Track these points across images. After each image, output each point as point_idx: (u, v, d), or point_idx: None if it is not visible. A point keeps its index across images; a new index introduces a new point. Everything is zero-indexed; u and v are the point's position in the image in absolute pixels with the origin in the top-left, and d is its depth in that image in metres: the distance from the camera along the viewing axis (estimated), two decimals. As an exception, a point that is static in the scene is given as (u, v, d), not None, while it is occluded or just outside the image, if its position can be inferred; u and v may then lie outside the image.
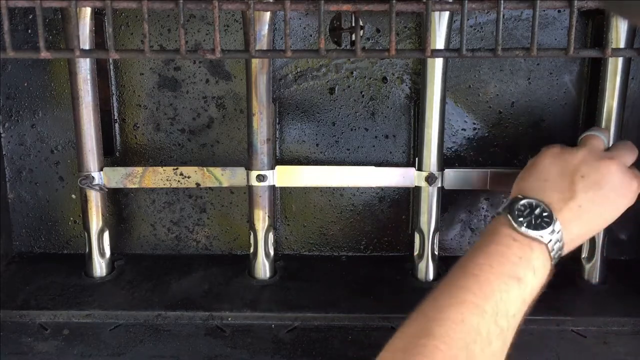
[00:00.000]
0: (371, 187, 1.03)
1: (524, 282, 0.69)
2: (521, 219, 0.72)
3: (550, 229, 0.72)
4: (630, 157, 0.83)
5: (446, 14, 0.87)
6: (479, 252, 0.71)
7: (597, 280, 0.98)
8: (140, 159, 1.04)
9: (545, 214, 0.73)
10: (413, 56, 0.99)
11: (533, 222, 0.72)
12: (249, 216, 0.99)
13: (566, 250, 0.75)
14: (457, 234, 1.06)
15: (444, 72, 0.91)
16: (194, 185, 0.99)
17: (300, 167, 0.99)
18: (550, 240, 0.72)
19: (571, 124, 1.01)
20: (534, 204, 0.74)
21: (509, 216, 0.72)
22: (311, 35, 0.99)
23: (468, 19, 0.81)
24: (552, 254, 0.72)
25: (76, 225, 1.07)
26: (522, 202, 0.74)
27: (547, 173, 0.79)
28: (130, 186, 0.99)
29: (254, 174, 0.96)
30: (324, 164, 1.03)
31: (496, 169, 0.97)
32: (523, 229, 0.71)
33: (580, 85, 0.99)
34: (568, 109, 1.00)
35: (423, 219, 0.98)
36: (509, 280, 0.68)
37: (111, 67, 1.00)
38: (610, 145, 0.88)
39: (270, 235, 1.00)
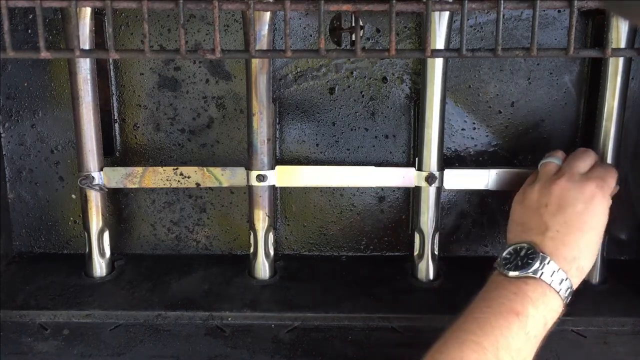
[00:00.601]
0: (371, 187, 1.04)
1: (523, 315, 0.71)
2: (508, 265, 0.76)
3: (537, 262, 0.74)
4: (582, 164, 0.84)
5: (446, 14, 0.87)
6: (478, 299, 0.75)
7: (597, 280, 0.98)
8: (140, 159, 1.04)
9: (529, 252, 0.76)
10: (413, 56, 0.99)
11: (520, 263, 0.75)
12: (249, 216, 0.99)
13: (575, 276, 0.76)
14: (457, 234, 1.06)
15: (444, 72, 0.91)
16: (194, 185, 0.99)
17: (300, 167, 0.99)
18: (543, 273, 0.74)
19: (571, 124, 1.01)
20: (517, 248, 0.77)
21: (498, 266, 0.77)
22: (311, 35, 0.99)
23: (468, 19, 0.82)
24: (552, 284, 0.74)
25: (76, 225, 1.07)
26: (507, 250, 0.78)
27: (519, 218, 0.83)
28: (130, 186, 0.99)
29: (254, 174, 0.96)
30: (324, 164, 1.03)
31: (496, 169, 0.97)
32: (511, 273, 0.75)
33: (580, 85, 0.99)
34: (568, 109, 1.00)
35: (423, 219, 0.98)
36: (507, 316, 0.71)
37: (111, 67, 1.00)
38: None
39: (270, 235, 1.00)
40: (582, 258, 0.77)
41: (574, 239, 0.77)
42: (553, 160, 0.87)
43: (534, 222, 0.79)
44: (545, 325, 0.73)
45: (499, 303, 0.72)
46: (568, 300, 0.76)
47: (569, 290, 0.75)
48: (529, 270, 0.74)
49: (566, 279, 0.75)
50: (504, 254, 0.78)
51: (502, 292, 0.74)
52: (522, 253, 0.76)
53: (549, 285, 0.73)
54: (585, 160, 0.85)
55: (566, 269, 0.75)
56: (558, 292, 0.74)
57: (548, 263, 0.74)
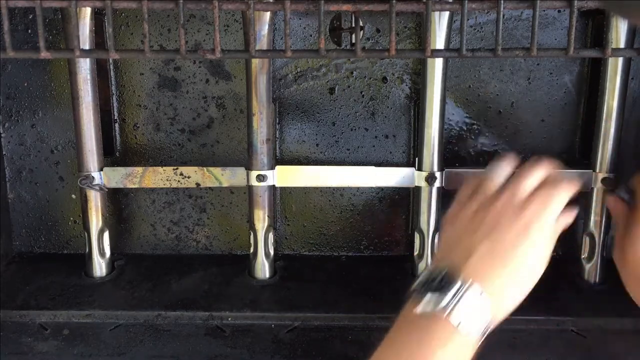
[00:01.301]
0: (371, 187, 1.03)
1: None
2: (422, 289, 0.66)
3: (453, 290, 0.64)
4: (527, 183, 0.71)
5: (446, 14, 0.87)
6: (389, 340, 0.67)
7: (597, 280, 0.98)
8: (140, 159, 1.04)
9: (445, 277, 0.66)
10: (413, 56, 0.99)
11: (435, 288, 0.65)
12: (249, 216, 0.99)
13: (494, 310, 0.66)
14: (457, 234, 1.06)
15: (444, 72, 0.91)
16: (194, 185, 0.99)
17: (300, 167, 0.99)
18: (456, 305, 0.64)
19: (571, 124, 1.01)
20: (435, 273, 0.67)
21: (412, 291, 0.67)
22: (311, 35, 0.99)
23: (468, 19, 0.81)
24: (462, 322, 0.64)
25: (76, 225, 1.07)
26: (424, 273, 0.68)
27: (448, 238, 0.73)
28: (130, 186, 0.99)
29: (254, 174, 0.96)
30: (324, 164, 1.03)
31: (496, 169, 0.97)
32: (419, 307, 0.65)
33: (580, 85, 0.99)
34: (568, 109, 1.00)
35: (423, 219, 0.98)
36: None
37: (111, 67, 1.00)
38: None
39: (270, 235, 1.00)
40: (502, 294, 0.66)
41: (497, 271, 0.67)
42: (496, 174, 0.74)
43: (462, 244, 0.69)
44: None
45: (408, 350, 0.64)
46: (484, 335, 0.65)
47: (485, 323, 0.65)
48: (443, 300, 0.64)
49: (481, 313, 0.65)
50: (421, 277, 0.68)
51: (411, 333, 0.65)
52: (439, 278, 0.66)
53: (459, 322, 0.64)
54: (530, 178, 0.71)
55: (481, 303, 0.65)
56: (470, 328, 0.64)
57: (464, 292, 0.64)
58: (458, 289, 0.65)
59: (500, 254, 0.67)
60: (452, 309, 0.64)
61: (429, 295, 0.65)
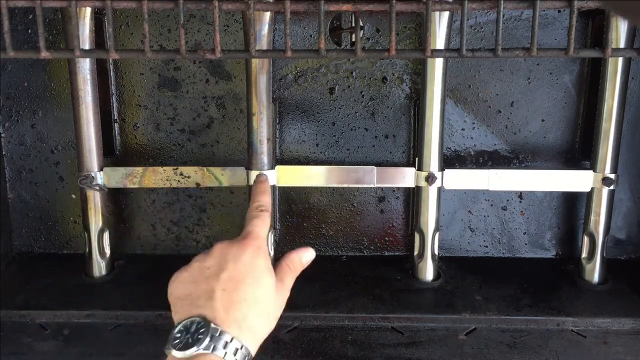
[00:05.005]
0: (371, 187, 1.04)
1: None
2: (179, 345, 0.66)
3: (208, 336, 0.65)
4: (258, 221, 0.78)
5: (446, 14, 0.87)
6: None
7: (597, 280, 0.98)
8: (140, 159, 1.04)
9: (200, 325, 0.66)
10: (413, 56, 0.99)
11: (190, 340, 0.66)
12: (249, 216, 0.99)
13: (249, 337, 0.68)
14: (457, 234, 1.06)
15: (444, 72, 0.91)
16: (194, 185, 0.99)
17: (300, 167, 0.99)
18: (215, 347, 0.65)
19: (571, 124, 1.01)
20: (188, 323, 0.67)
21: (166, 348, 0.67)
22: (311, 35, 0.99)
23: (468, 19, 0.81)
24: (226, 357, 0.65)
25: (76, 225, 1.07)
26: (177, 328, 0.67)
27: (182, 292, 0.72)
28: (130, 186, 0.99)
29: (254, 173, 0.96)
30: (324, 164, 1.03)
31: (496, 169, 0.97)
32: (176, 353, 0.65)
33: (580, 85, 0.99)
34: (568, 109, 1.00)
35: (423, 219, 0.98)
36: None
37: (111, 67, 1.00)
38: None
39: (270, 236, 1.00)
40: (251, 315, 0.68)
41: (239, 294, 0.69)
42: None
43: (201, 289, 0.70)
44: None
45: None
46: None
47: (247, 357, 0.67)
48: (200, 348, 0.64)
49: (241, 347, 0.66)
50: (174, 332, 0.67)
51: None
52: (193, 328, 0.66)
53: (223, 358, 0.65)
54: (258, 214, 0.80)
55: (238, 334, 0.67)
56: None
57: (219, 334, 0.65)
58: (212, 333, 0.65)
59: (236, 278, 0.70)
60: (214, 347, 0.65)
61: (186, 344, 0.65)
